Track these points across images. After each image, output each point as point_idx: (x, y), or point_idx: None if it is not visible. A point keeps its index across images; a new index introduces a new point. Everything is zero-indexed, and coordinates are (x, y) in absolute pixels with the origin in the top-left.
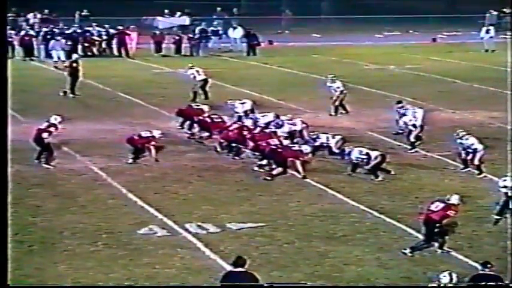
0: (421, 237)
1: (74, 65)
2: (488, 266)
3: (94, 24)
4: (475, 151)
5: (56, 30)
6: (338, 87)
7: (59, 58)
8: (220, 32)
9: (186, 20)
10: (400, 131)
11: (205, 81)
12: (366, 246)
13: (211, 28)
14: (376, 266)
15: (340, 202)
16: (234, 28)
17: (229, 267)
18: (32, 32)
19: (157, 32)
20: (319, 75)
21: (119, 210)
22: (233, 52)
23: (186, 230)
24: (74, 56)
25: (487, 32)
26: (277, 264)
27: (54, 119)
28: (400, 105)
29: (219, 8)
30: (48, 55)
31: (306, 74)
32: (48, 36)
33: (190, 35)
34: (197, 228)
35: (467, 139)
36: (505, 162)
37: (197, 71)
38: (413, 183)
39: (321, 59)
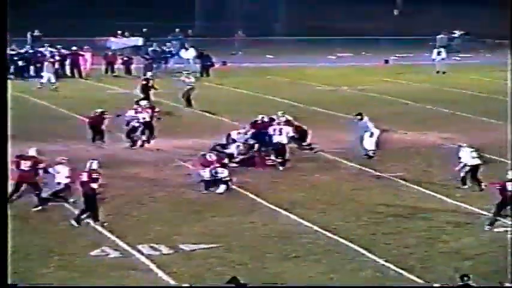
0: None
1: (150, 83)
2: (465, 278)
3: (46, 45)
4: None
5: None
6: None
7: (48, 81)
8: (173, 52)
9: (139, 41)
10: (372, 153)
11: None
12: (319, 267)
13: (164, 48)
14: None
15: (294, 223)
16: (186, 49)
17: None
18: None
19: (109, 53)
20: (272, 96)
21: (71, 232)
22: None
23: (139, 251)
24: (148, 74)
25: (439, 53)
26: None
27: (90, 164)
28: (359, 117)
29: (177, 29)
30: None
31: (260, 95)
32: (15, 58)
33: (145, 56)
34: (150, 250)
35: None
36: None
37: (187, 77)
38: (366, 204)
39: (275, 79)
